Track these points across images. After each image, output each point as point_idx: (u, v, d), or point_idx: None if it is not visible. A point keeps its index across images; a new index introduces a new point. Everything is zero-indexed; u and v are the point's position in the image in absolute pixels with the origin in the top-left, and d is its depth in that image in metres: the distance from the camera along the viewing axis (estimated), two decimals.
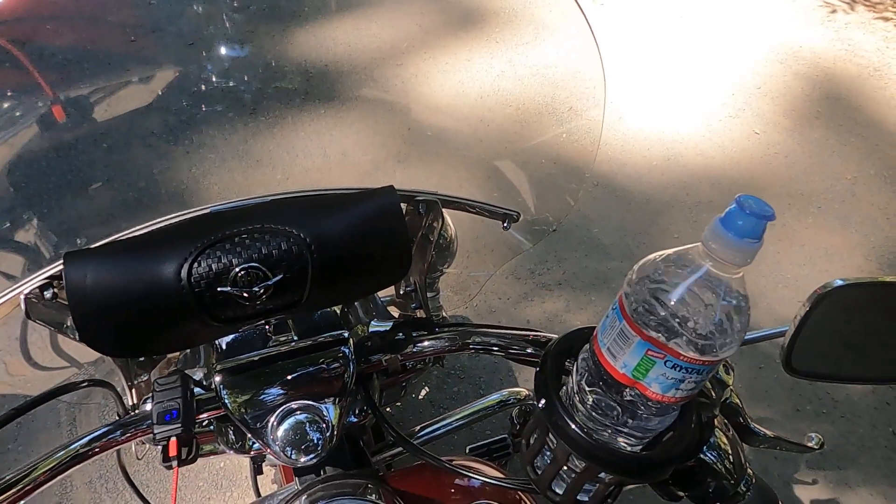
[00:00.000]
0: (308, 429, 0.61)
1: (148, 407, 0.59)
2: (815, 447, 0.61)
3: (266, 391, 0.62)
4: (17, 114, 1.08)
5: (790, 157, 2.73)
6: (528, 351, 0.70)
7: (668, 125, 2.84)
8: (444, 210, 0.80)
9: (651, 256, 0.43)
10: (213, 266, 0.53)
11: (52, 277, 0.59)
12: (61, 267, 0.53)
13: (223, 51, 1.48)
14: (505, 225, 0.89)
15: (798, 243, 2.40)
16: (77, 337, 0.55)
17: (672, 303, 0.40)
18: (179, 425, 0.56)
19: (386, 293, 0.94)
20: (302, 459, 0.60)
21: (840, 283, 0.52)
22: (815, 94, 3.05)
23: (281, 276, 0.55)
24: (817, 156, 2.75)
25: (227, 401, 0.61)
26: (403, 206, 0.74)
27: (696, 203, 2.50)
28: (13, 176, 0.96)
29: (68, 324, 0.62)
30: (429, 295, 0.94)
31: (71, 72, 1.24)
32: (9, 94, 1.14)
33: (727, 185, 2.59)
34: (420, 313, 0.90)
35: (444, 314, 1.05)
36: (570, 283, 2.22)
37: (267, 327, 0.65)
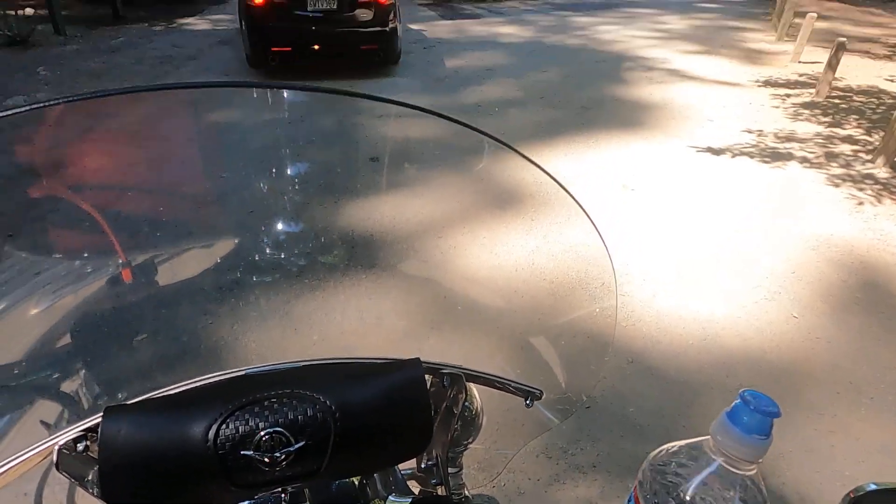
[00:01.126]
0: None
1: None
2: None
3: None
4: (87, 271, 1.19)
5: (833, 342, 2.66)
6: None
7: (703, 305, 2.85)
8: (470, 383, 0.80)
9: (664, 447, 0.44)
10: (240, 429, 0.54)
11: (87, 430, 0.62)
12: (98, 420, 0.55)
13: (280, 223, 1.61)
14: (528, 403, 0.89)
15: (853, 437, 2.24)
16: (96, 493, 0.56)
17: (686, 497, 0.39)
18: None
19: (407, 466, 0.92)
20: None
21: (874, 486, 0.50)
22: (852, 281, 3.05)
23: (303, 443, 0.56)
24: (861, 342, 2.67)
25: None
26: (429, 377, 0.76)
27: (737, 386, 2.41)
28: (71, 329, 1.03)
29: (90, 478, 0.63)
30: (451, 471, 0.91)
31: (143, 237, 1.37)
32: (85, 254, 1.26)
33: (767, 369, 2.51)
34: (441, 490, 0.87)
35: (466, 493, 1.00)
36: (605, 466, 2.10)
37: (283, 495, 0.64)
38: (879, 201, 3.96)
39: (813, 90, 6.47)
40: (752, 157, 4.69)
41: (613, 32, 10.03)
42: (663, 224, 3.59)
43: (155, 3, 11.22)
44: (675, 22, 11.38)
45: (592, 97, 6.26)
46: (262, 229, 1.50)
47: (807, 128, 5.42)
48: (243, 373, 0.68)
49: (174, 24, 9.62)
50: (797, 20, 10.05)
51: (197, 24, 9.85)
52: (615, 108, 5.93)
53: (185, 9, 11.03)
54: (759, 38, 10.07)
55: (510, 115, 5.62)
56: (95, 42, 8.14)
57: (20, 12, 9.27)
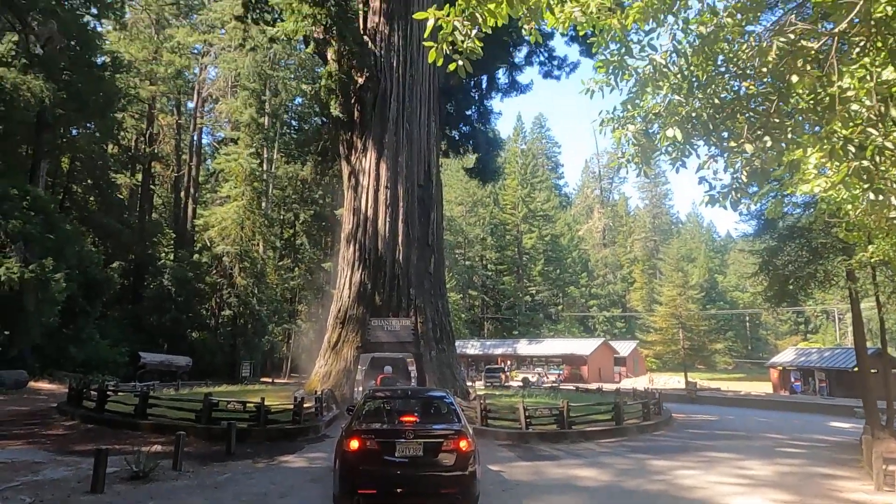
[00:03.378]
0: None
1: None
2: None
3: None
4: None
5: None
6: None
7: None
8: None
9: None
10: None
11: None
12: None
13: None
14: None
15: None
16: None
17: None
18: None
19: None
20: None
21: None
22: None
23: None
24: None
25: None
26: None
27: None
28: None
29: None
30: None
31: None
32: None
33: None
34: None
35: None
36: None
37: None
38: None
39: None
40: None
41: (694, 477, 9.94)
42: None
43: (262, 440, 12.62)
44: (759, 468, 11.21)
45: None
46: None
47: None
48: None
49: (275, 461, 10.58)
50: (891, 467, 9.72)
51: (295, 461, 10.78)
52: None
53: (288, 445, 12.25)
54: (856, 487, 9.59)
55: None
56: (204, 478, 8.99)
57: (151, 448, 10.67)
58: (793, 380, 39.84)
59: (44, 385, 25.31)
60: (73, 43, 24.21)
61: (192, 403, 14.70)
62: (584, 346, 53.75)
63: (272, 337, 45.82)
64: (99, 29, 30.80)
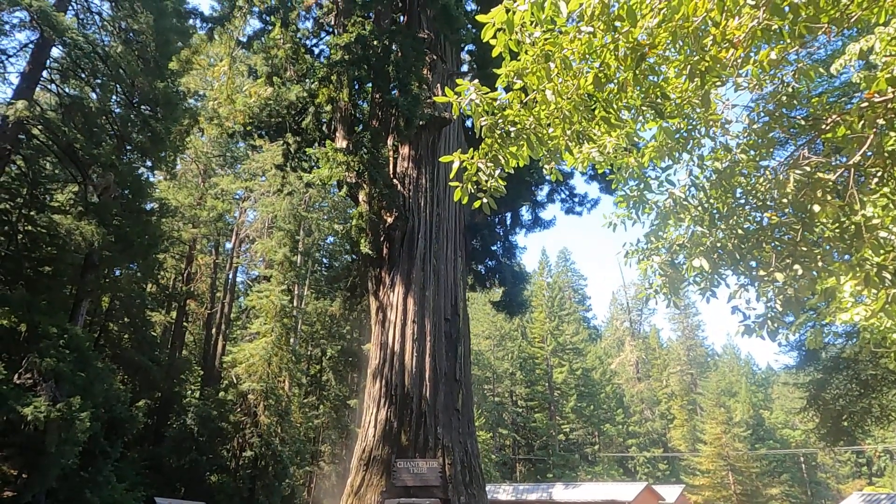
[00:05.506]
0: None
1: None
2: None
3: None
4: None
5: None
6: None
7: None
8: None
9: None
10: None
11: None
12: None
13: None
14: None
15: None
16: None
17: None
18: None
19: None
20: None
21: None
22: None
23: None
24: None
25: None
26: None
27: None
28: None
29: None
30: None
31: None
32: None
33: None
34: None
35: None
36: None
37: None
38: None
39: None
40: None
41: None
42: None
43: None
44: None
45: None
46: None
47: None
48: None
49: None
50: None
51: None
52: None
53: None
54: None
55: None
56: None
57: None
58: None
59: None
60: (126, 192, 26.22)
61: None
62: (625, 491, 49.61)
63: (293, 480, 43.60)
64: (151, 179, 33.51)
